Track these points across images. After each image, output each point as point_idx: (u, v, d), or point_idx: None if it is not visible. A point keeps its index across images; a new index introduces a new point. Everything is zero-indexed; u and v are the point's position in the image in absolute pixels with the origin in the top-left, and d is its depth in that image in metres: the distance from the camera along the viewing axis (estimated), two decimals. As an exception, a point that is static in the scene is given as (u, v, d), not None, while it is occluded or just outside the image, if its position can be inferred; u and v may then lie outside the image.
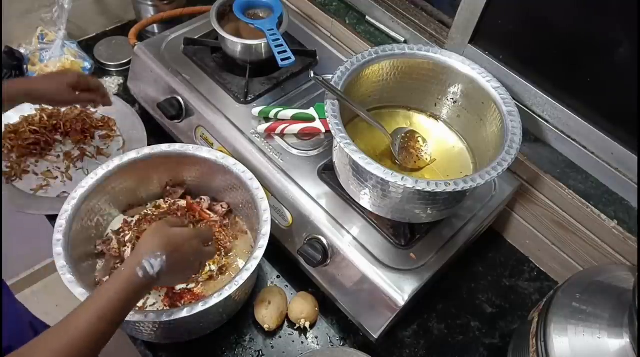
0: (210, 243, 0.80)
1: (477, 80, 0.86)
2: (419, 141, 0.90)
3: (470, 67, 0.87)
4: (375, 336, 0.87)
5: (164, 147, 0.94)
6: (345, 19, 1.18)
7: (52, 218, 0.94)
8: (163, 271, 0.67)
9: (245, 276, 0.79)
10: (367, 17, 1.17)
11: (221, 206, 0.99)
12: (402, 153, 0.88)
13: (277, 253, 0.96)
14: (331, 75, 0.82)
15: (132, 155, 0.92)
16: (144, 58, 1.09)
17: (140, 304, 0.88)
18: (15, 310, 0.96)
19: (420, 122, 0.96)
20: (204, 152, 0.94)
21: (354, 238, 0.86)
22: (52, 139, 1.10)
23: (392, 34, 1.13)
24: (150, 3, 1.28)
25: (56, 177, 1.05)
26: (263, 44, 1.03)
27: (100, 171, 0.89)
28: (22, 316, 1.03)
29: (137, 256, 0.67)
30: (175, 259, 0.69)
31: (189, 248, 0.72)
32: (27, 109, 1.12)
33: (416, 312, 0.96)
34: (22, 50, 1.24)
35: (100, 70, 1.29)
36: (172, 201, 0.99)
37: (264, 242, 0.83)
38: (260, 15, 1.09)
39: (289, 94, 1.06)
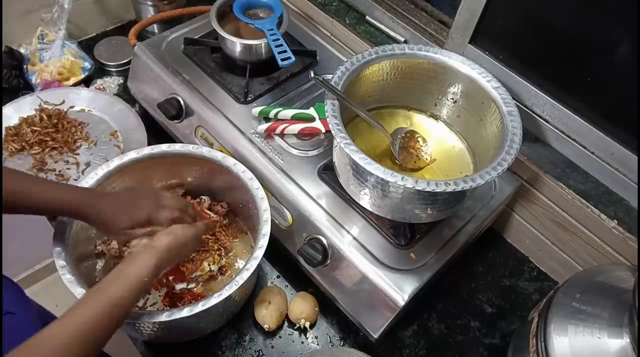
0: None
1: (477, 80, 0.86)
2: (419, 141, 0.90)
3: (470, 67, 0.87)
4: (375, 336, 0.87)
5: (164, 147, 0.94)
6: (345, 19, 1.18)
7: (52, 218, 0.94)
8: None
9: (245, 276, 0.79)
10: (367, 17, 1.17)
11: (221, 206, 0.99)
12: (402, 153, 0.88)
13: (277, 253, 0.96)
14: (331, 75, 0.81)
15: (132, 155, 0.92)
16: (144, 58, 1.09)
17: (140, 304, 0.88)
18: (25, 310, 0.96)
19: (420, 122, 0.96)
20: (204, 152, 0.94)
21: (354, 238, 0.86)
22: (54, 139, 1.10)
23: (392, 34, 1.13)
24: (150, 3, 1.28)
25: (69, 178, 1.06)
26: (263, 44, 1.03)
27: (101, 171, 0.89)
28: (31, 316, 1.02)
29: (154, 260, 0.70)
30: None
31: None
32: (27, 110, 1.12)
33: (416, 312, 0.96)
34: (22, 50, 1.24)
35: (100, 70, 1.29)
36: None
37: (264, 242, 0.83)
38: (260, 15, 1.09)
39: (289, 94, 1.06)
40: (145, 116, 1.15)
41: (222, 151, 0.97)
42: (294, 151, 0.96)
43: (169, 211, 0.79)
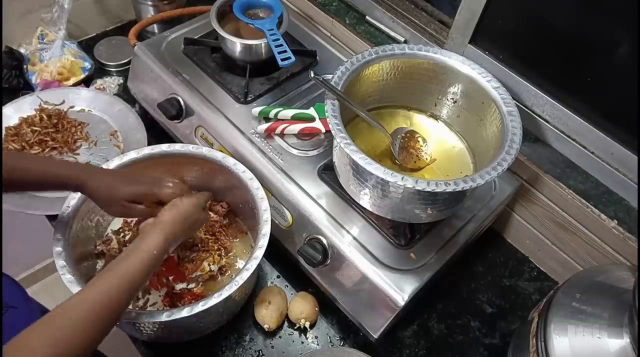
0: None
1: (477, 80, 0.86)
2: (419, 141, 0.90)
3: (470, 67, 0.87)
4: (375, 336, 0.87)
5: (164, 147, 0.94)
6: (345, 19, 1.18)
7: (52, 218, 0.94)
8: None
9: (245, 276, 0.79)
10: (367, 17, 1.17)
11: (221, 206, 0.99)
12: (402, 153, 0.88)
13: (277, 253, 0.96)
14: (331, 75, 0.81)
15: (132, 155, 0.92)
16: (144, 58, 1.09)
17: (140, 304, 0.88)
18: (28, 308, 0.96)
19: (420, 122, 0.96)
20: (204, 152, 0.94)
21: (354, 238, 0.86)
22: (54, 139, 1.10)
23: (392, 34, 1.13)
24: (150, 3, 1.28)
25: None
26: (263, 44, 1.03)
27: (100, 171, 0.89)
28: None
29: (162, 235, 0.72)
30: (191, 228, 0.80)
31: (198, 221, 0.82)
32: (27, 110, 1.12)
33: (416, 312, 0.96)
34: (22, 50, 1.24)
35: (100, 70, 1.29)
36: None
37: (264, 242, 0.83)
38: (260, 15, 1.09)
39: (289, 94, 1.06)
40: (145, 116, 1.15)
41: (222, 151, 0.97)
42: (294, 151, 0.96)
43: (171, 189, 0.81)
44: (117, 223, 0.97)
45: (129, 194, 0.78)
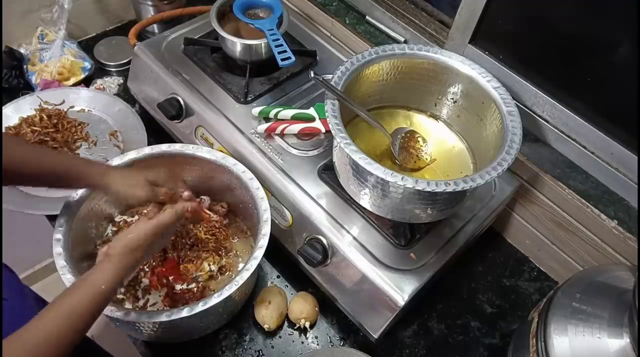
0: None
1: (477, 80, 0.86)
2: (419, 141, 0.90)
3: (470, 67, 0.87)
4: (375, 336, 0.87)
5: (164, 147, 0.94)
6: (345, 19, 1.18)
7: (52, 218, 0.94)
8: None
9: (245, 276, 0.79)
10: (367, 17, 1.17)
11: (221, 205, 0.99)
12: (402, 153, 0.88)
13: (277, 253, 0.96)
14: (331, 75, 0.81)
15: (132, 155, 0.92)
16: (144, 58, 1.09)
17: (140, 304, 0.88)
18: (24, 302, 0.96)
19: (420, 122, 0.96)
20: (204, 152, 0.94)
21: (354, 238, 0.86)
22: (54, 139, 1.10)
23: (392, 34, 1.13)
24: (150, 3, 1.28)
25: None
26: (263, 44, 1.03)
27: (100, 171, 0.89)
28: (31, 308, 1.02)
29: (112, 268, 0.68)
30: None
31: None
32: (27, 110, 1.12)
33: (416, 312, 0.96)
34: (22, 50, 1.24)
35: (100, 70, 1.29)
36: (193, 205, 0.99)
37: (264, 242, 0.83)
38: (260, 15, 1.09)
39: (289, 94, 1.06)
40: (145, 116, 1.15)
41: (222, 151, 0.97)
42: (294, 151, 0.96)
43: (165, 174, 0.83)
44: (116, 223, 0.97)
45: (149, 176, 0.80)
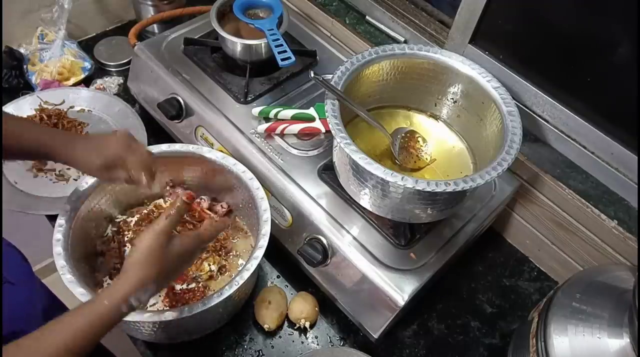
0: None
1: (477, 80, 0.86)
2: (419, 141, 0.90)
3: (470, 67, 0.87)
4: (375, 336, 0.87)
5: (164, 147, 0.94)
6: (345, 19, 1.18)
7: (52, 218, 0.94)
8: (149, 297, 0.66)
9: (245, 276, 0.79)
10: (367, 17, 1.17)
11: (221, 206, 0.99)
12: (402, 153, 0.88)
13: (277, 253, 0.96)
14: (331, 75, 0.81)
15: (132, 155, 0.92)
16: (144, 58, 1.09)
17: (140, 304, 0.88)
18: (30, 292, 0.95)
19: (420, 122, 0.96)
20: (204, 152, 0.94)
21: (354, 238, 0.86)
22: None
23: (392, 34, 1.13)
24: (150, 3, 1.28)
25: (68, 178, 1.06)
26: (263, 44, 1.03)
27: (100, 171, 0.89)
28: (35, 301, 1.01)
29: (121, 289, 0.61)
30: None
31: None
32: (27, 110, 1.12)
33: (416, 312, 0.96)
34: (22, 50, 1.24)
35: (100, 70, 1.29)
36: (173, 200, 0.99)
37: (264, 242, 0.83)
38: (260, 15, 1.09)
39: (289, 94, 1.06)
40: (145, 116, 1.15)
41: (222, 151, 0.97)
42: (294, 151, 0.96)
43: (138, 156, 0.79)
44: (116, 223, 0.97)
45: (99, 163, 0.76)
